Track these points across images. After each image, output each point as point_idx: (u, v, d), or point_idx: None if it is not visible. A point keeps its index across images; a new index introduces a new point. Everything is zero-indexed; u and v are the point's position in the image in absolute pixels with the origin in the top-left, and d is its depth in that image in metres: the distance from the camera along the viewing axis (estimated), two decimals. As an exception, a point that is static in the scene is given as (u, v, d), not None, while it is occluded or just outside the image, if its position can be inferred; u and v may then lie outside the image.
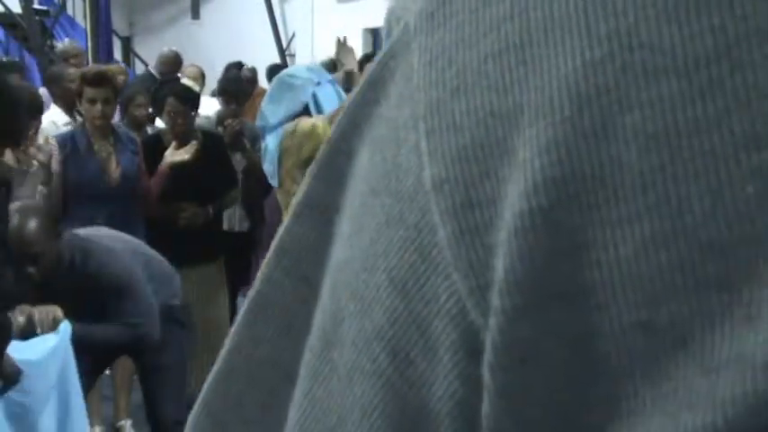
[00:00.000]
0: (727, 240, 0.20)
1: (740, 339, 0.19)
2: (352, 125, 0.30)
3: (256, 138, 4.61)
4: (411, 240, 0.25)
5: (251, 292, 0.33)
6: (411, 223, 0.25)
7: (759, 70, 0.20)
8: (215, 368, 0.35)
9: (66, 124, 4.35)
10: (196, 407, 0.35)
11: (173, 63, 6.61)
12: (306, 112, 3.31)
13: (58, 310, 2.70)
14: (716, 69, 0.20)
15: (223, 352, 0.34)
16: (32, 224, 2.65)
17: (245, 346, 0.33)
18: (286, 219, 0.32)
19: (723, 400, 0.19)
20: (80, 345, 2.73)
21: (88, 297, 2.82)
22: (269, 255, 0.33)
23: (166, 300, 3.10)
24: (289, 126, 3.24)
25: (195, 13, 12.66)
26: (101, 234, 3.05)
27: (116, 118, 4.51)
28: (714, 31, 0.20)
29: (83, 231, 3.03)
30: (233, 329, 0.34)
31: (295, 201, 0.32)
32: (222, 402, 0.34)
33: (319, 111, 3.29)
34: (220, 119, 4.65)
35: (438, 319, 0.25)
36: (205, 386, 0.35)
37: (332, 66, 5.21)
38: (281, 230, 0.32)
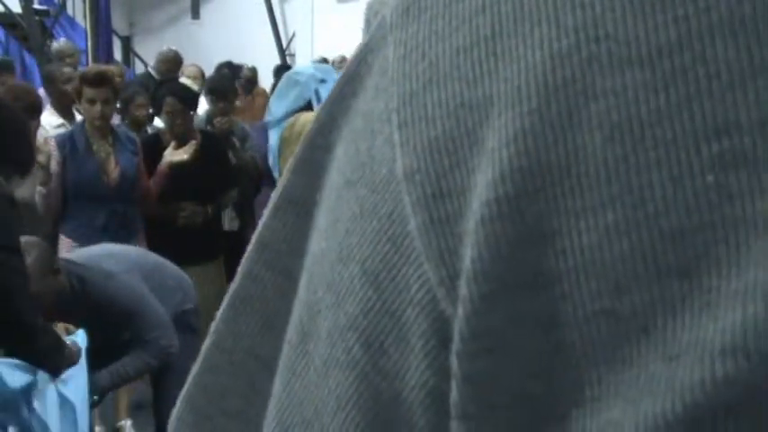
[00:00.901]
0: (687, 229, 0.20)
1: (700, 327, 0.20)
2: (330, 119, 0.30)
3: (246, 137, 4.62)
4: (384, 231, 0.26)
5: (231, 287, 0.33)
6: (384, 214, 0.26)
7: (721, 61, 0.20)
8: (197, 363, 0.35)
9: (59, 126, 4.33)
10: (179, 402, 0.35)
11: (172, 62, 6.60)
12: (308, 107, 3.35)
13: (66, 325, 2.71)
14: (678, 60, 0.20)
15: (205, 347, 0.34)
16: (28, 262, 2.62)
17: (227, 341, 0.33)
18: (265, 213, 0.32)
19: (682, 386, 0.20)
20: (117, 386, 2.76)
21: (97, 324, 2.81)
22: (249, 249, 0.33)
23: (179, 306, 3.09)
24: (290, 119, 3.28)
25: (195, 13, 12.66)
26: (97, 255, 3.01)
27: (115, 120, 4.50)
28: (678, 23, 0.21)
29: (78, 256, 3.01)
30: (214, 324, 0.34)
31: (275, 194, 0.32)
32: (205, 397, 0.34)
33: (322, 106, 3.35)
34: (209, 117, 4.64)
35: (410, 309, 0.25)
36: (188, 381, 0.35)
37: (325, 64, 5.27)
38: (260, 225, 0.32)
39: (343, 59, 7.69)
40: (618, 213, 0.21)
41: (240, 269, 0.33)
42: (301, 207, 0.31)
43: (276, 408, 0.30)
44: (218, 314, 0.34)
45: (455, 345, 0.23)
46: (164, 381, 3.17)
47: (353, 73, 0.29)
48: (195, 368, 0.35)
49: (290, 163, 0.32)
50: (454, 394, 0.24)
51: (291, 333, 0.30)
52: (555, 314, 0.22)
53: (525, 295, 0.22)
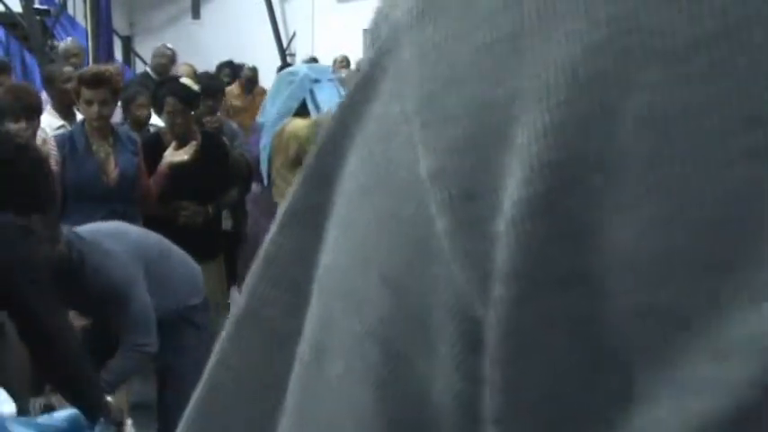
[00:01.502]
0: (726, 222, 0.20)
1: (746, 322, 0.19)
2: (342, 126, 0.29)
3: (234, 135, 4.66)
4: (405, 235, 0.25)
5: (236, 305, 0.32)
6: (405, 217, 0.25)
7: (759, 53, 0.20)
8: (200, 384, 0.33)
9: (59, 128, 4.30)
10: (181, 427, 0.34)
11: (168, 59, 6.64)
12: (303, 106, 3.35)
13: None
14: (716, 52, 0.20)
15: (208, 367, 0.33)
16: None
17: (232, 360, 0.32)
18: (272, 228, 0.31)
19: (732, 384, 0.19)
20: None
21: (87, 300, 2.79)
22: (255, 266, 0.32)
23: (185, 300, 3.06)
24: (278, 126, 3.29)
25: (195, 13, 12.67)
26: (103, 232, 2.98)
27: (117, 118, 4.50)
28: (714, 14, 0.20)
29: (84, 230, 2.98)
30: (218, 344, 0.33)
31: (282, 209, 0.31)
32: (208, 420, 0.33)
33: (316, 106, 3.33)
34: (198, 116, 4.65)
35: (435, 313, 0.24)
36: (190, 404, 0.34)
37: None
38: (267, 240, 0.31)
39: (344, 59, 7.70)
40: (654, 208, 0.20)
41: (245, 286, 0.32)
42: (311, 219, 0.30)
43: (287, 428, 0.29)
44: (223, 333, 0.33)
45: (488, 348, 0.23)
46: (167, 381, 3.15)
47: (366, 78, 0.28)
48: (198, 389, 0.33)
49: (299, 174, 0.31)
50: (487, 398, 0.23)
51: (303, 349, 0.29)
52: (592, 312, 0.21)
53: (560, 294, 0.22)
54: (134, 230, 3.16)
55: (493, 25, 0.23)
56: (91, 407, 2.47)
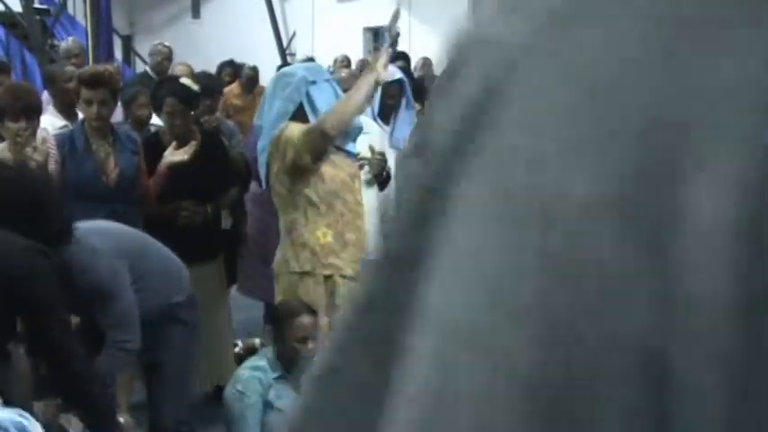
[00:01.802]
0: None
1: None
2: (451, 157, 0.27)
3: (233, 135, 4.68)
4: (554, 267, 0.23)
5: (320, 360, 0.31)
6: (552, 248, 0.23)
7: None
8: None
9: (62, 128, 4.27)
10: None
11: (165, 56, 6.64)
12: (300, 110, 3.32)
13: None
14: None
15: (290, 426, 0.32)
16: None
17: (318, 420, 0.31)
18: (361, 278, 0.30)
19: None
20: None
21: (74, 297, 2.77)
22: (340, 320, 0.31)
23: (168, 297, 3.03)
24: (275, 132, 3.27)
25: (195, 13, 12.66)
26: (89, 230, 2.95)
27: (119, 117, 4.49)
28: None
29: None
30: (303, 394, 0.32)
31: (374, 252, 0.30)
32: None
33: (313, 109, 3.30)
34: (196, 116, 4.65)
35: (602, 348, 0.22)
36: None
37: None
38: (355, 291, 0.30)
39: (345, 59, 7.68)
40: None
41: (329, 342, 0.31)
42: (408, 262, 0.28)
43: None
44: (305, 389, 0.31)
45: (684, 380, 0.21)
46: (155, 377, 3.14)
47: (477, 107, 0.26)
48: None
49: (391, 213, 0.29)
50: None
51: (400, 400, 0.26)
52: None
53: None
54: (118, 227, 3.13)
55: (639, 39, 0.22)
56: (101, 420, 2.49)
